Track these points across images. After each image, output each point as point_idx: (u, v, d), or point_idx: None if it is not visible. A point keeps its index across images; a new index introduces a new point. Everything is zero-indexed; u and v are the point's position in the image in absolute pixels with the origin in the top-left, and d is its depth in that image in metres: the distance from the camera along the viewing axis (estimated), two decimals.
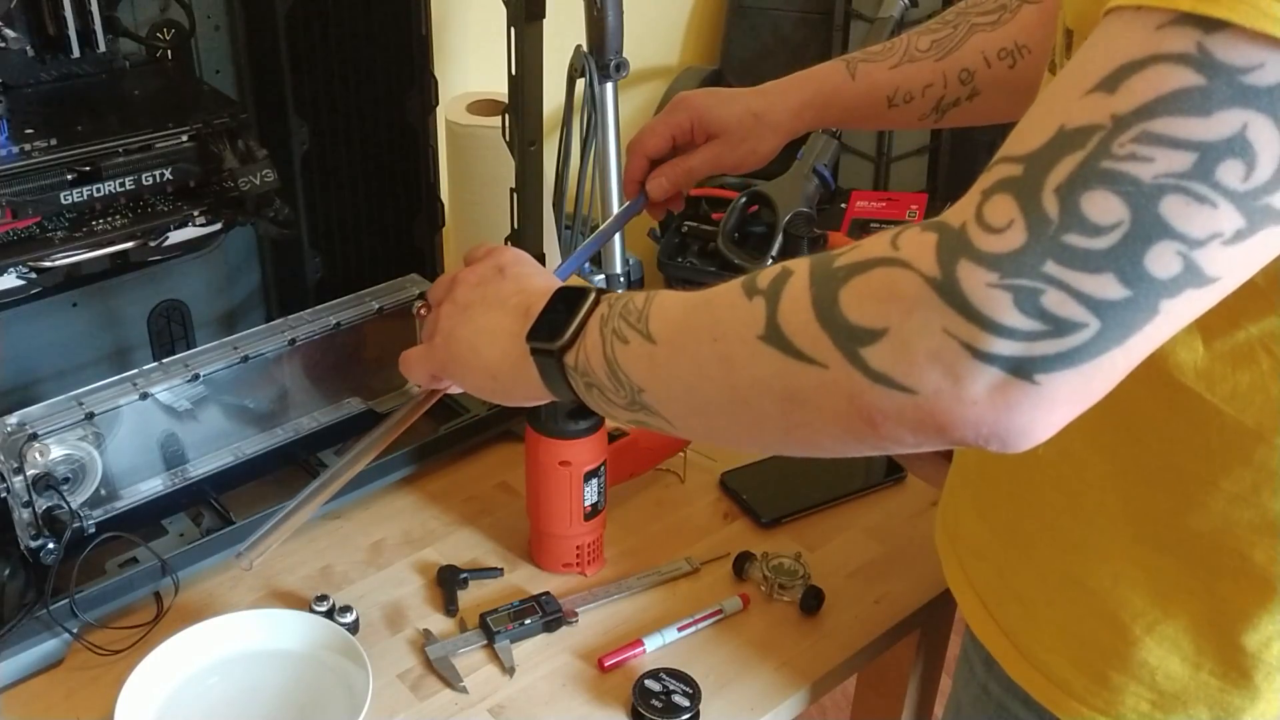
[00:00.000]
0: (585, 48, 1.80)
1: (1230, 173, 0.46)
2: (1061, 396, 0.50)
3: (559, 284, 0.72)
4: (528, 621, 0.98)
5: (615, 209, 1.49)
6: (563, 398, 0.69)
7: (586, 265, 2.01)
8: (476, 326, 0.73)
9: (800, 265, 0.56)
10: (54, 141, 0.89)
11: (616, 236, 1.97)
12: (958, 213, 0.51)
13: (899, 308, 0.51)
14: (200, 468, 1.04)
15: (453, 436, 1.15)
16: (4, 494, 0.90)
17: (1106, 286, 0.48)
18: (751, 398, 0.57)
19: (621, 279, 2.02)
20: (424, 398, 0.83)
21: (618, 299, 0.66)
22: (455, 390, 0.80)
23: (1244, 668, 0.70)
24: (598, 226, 1.99)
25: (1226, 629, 0.70)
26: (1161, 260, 0.47)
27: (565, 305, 0.68)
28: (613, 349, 0.64)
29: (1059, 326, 0.48)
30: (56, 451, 0.92)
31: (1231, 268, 0.49)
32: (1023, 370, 0.49)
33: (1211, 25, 0.46)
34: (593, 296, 0.67)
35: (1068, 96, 0.50)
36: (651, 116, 1.13)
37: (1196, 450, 0.66)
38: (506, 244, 1.16)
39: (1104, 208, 0.47)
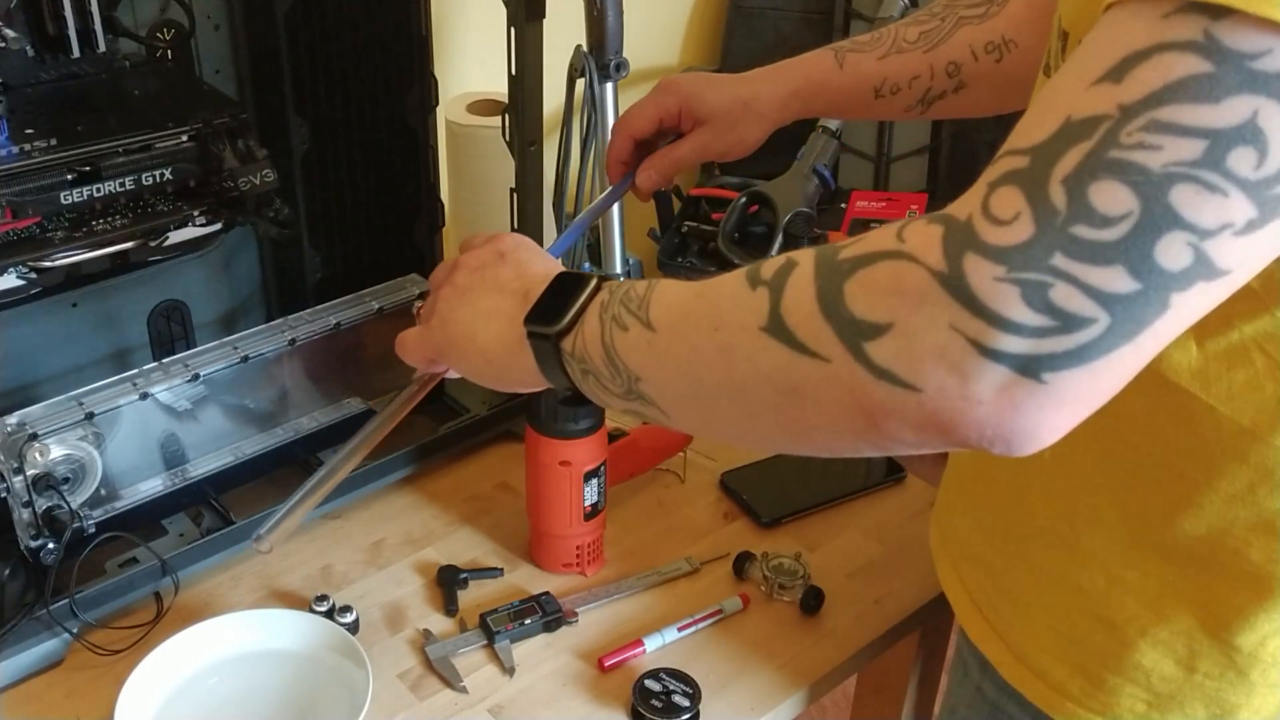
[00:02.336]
0: (585, 48, 1.80)
1: (1241, 160, 0.46)
2: (1070, 396, 0.49)
3: (560, 269, 0.71)
4: (528, 621, 0.98)
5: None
6: (558, 384, 0.68)
7: (586, 265, 2.01)
8: (474, 310, 0.72)
9: (805, 256, 0.55)
10: (54, 141, 0.89)
11: (616, 237, 1.97)
12: (963, 205, 0.50)
13: (904, 302, 0.50)
14: (200, 468, 1.04)
15: (453, 436, 1.15)
16: (4, 494, 0.90)
17: (1116, 279, 0.47)
18: (750, 389, 0.56)
19: (621, 278, 2.02)
20: (423, 381, 0.81)
21: (619, 286, 0.65)
22: (453, 375, 0.79)
23: (1240, 666, 0.70)
24: (596, 226, 1.99)
25: (1221, 630, 0.70)
26: (1171, 251, 0.46)
27: (565, 290, 0.67)
28: (611, 335, 0.62)
29: (1067, 322, 0.47)
30: (56, 451, 0.92)
31: (1243, 259, 0.48)
32: (1030, 369, 0.48)
33: (1218, 12, 0.45)
34: (594, 282, 0.66)
35: (1073, 88, 0.49)
36: None
37: (1192, 451, 0.66)
38: None
39: (1112, 198, 0.46)
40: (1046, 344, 0.47)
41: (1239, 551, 0.67)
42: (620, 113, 1.81)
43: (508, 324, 0.69)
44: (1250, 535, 0.67)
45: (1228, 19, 0.45)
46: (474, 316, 0.72)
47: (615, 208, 1.45)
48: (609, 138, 1.03)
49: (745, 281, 0.57)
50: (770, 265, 0.56)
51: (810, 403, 0.54)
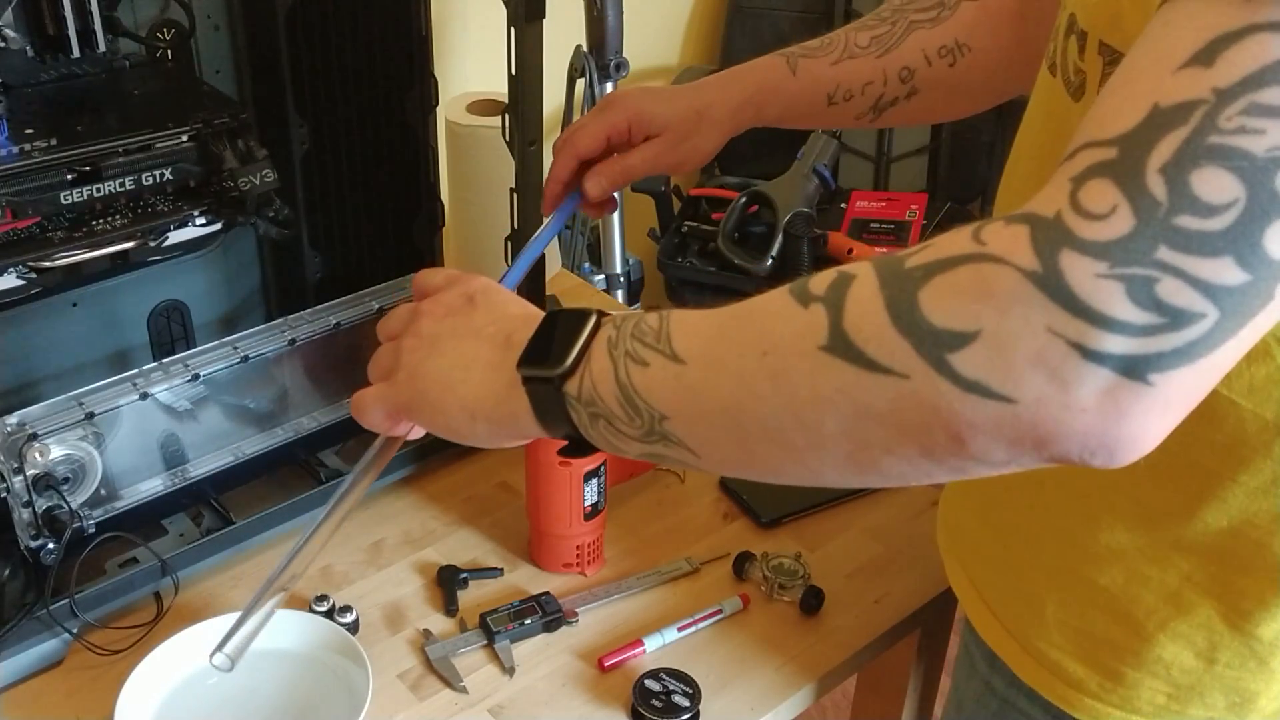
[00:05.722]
0: (585, 48, 1.80)
1: None
2: (1176, 398, 0.46)
3: (538, 312, 0.65)
4: (528, 621, 0.98)
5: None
6: (558, 433, 0.61)
7: (586, 265, 2.01)
8: (448, 360, 0.64)
9: (862, 268, 0.51)
10: (54, 141, 0.89)
11: (616, 237, 1.97)
12: (1046, 202, 0.47)
13: (993, 306, 0.46)
14: (200, 468, 1.04)
15: None
16: (4, 494, 0.90)
17: (1225, 271, 0.44)
18: (810, 417, 0.51)
19: (621, 279, 2.02)
20: (383, 448, 0.72)
21: (625, 320, 0.59)
22: (416, 435, 0.71)
23: (1261, 655, 0.71)
24: (596, 227, 1.99)
25: (1242, 621, 0.70)
26: (1279, 239, 0.45)
27: (561, 329, 0.60)
28: (627, 373, 0.57)
29: (1176, 318, 0.45)
30: (56, 451, 0.92)
31: None
32: (1136, 370, 0.45)
33: None
34: (594, 318, 0.60)
35: (1155, 73, 0.47)
36: None
37: (1214, 446, 0.66)
38: (506, 244, 1.16)
39: (1217, 185, 0.44)
40: (1154, 342, 0.45)
41: (1261, 543, 0.68)
42: None
43: (492, 372, 0.62)
44: (1273, 527, 0.67)
45: None
46: (449, 367, 0.64)
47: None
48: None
49: (792, 299, 0.52)
50: (820, 280, 0.52)
51: (884, 425, 0.49)
